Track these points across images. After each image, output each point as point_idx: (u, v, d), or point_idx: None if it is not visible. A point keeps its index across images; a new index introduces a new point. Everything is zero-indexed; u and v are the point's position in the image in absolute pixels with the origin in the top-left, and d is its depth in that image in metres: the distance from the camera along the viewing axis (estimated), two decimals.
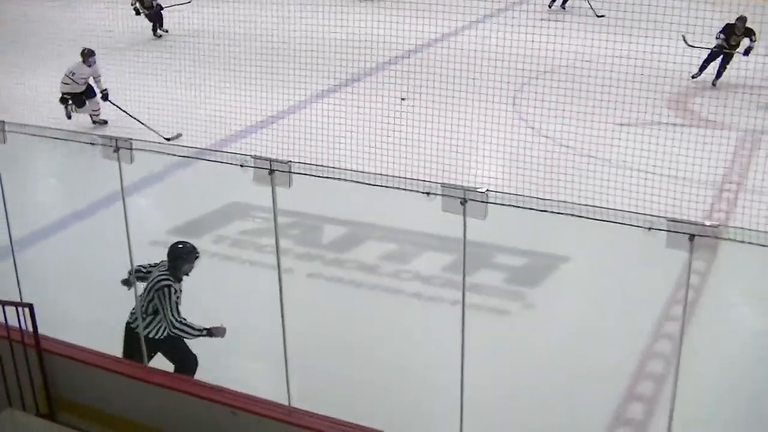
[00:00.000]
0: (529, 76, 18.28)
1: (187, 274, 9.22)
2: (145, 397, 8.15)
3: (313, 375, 9.09)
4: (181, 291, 9.09)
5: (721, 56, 19.69)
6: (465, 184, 6.73)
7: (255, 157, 7.47)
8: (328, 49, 17.55)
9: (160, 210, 14.61)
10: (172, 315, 8.92)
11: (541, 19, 20.06)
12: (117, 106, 17.72)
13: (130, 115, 17.21)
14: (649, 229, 6.12)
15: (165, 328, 8.99)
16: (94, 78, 17.98)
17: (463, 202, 6.49)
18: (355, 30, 18.11)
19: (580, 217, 6.49)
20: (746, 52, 19.16)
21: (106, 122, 18.26)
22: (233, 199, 14.17)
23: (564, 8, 28.06)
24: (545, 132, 16.69)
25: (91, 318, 10.70)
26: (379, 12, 18.81)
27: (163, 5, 25.77)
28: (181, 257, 9.14)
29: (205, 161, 8.52)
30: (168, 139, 15.79)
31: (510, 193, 7.01)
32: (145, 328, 8.98)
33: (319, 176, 8.02)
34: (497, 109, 15.93)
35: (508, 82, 16.65)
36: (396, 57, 20.49)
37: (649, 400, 9.42)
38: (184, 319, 8.93)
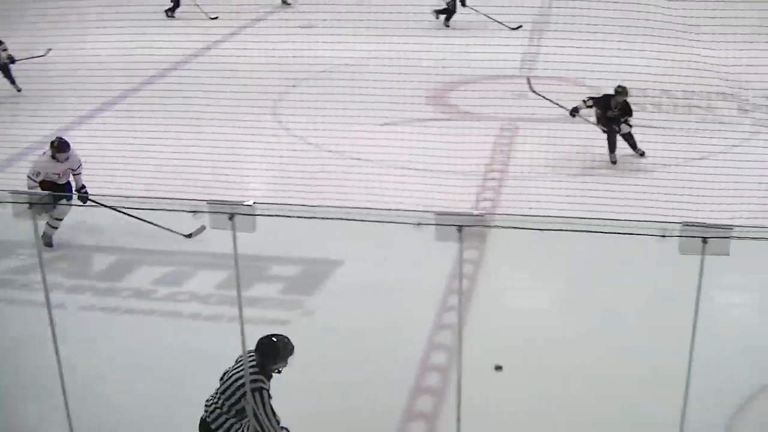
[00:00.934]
0: (287, 84, 18.34)
1: (279, 371, 8.17)
2: None
3: (98, 409, 8.89)
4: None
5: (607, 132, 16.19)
6: (232, 198, 6.64)
7: (12, 192, 7.19)
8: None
9: None
10: (270, 424, 7.89)
11: (298, 26, 20.12)
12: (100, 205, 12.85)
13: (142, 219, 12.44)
14: (418, 224, 6.19)
15: None
16: (72, 173, 13.15)
17: (231, 217, 6.41)
18: (100, 51, 17.77)
19: (348, 220, 6.51)
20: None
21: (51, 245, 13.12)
22: None
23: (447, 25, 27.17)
24: (309, 139, 16.71)
25: None
26: (128, 30, 18.45)
27: (16, 58, 21.19)
28: (276, 352, 8.05)
29: None
30: (189, 236, 13.06)
31: (278, 204, 7.00)
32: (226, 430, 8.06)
33: (78, 205, 7.82)
34: (258, 120, 15.90)
35: (266, 92, 16.66)
36: (153, 76, 20.21)
37: (436, 391, 9.57)
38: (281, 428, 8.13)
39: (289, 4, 28.88)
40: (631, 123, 15.78)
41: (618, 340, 10.34)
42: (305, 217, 6.72)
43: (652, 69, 17.72)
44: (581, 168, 14.73)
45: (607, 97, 15.91)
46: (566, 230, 6.09)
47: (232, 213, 6.43)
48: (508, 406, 9.33)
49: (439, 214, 6.10)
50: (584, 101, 15.96)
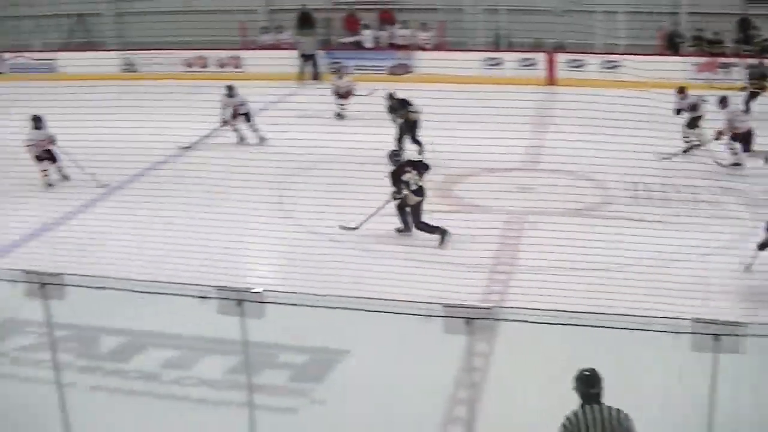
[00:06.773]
0: (290, 172, 18.52)
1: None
2: None
3: None
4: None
5: None
6: (240, 285, 6.68)
7: (25, 271, 7.27)
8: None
9: None
10: None
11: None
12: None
13: None
14: (428, 316, 6.21)
15: None
16: None
17: (239, 303, 6.45)
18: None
19: (356, 309, 6.53)
20: None
21: None
22: (6, 316, 13.59)
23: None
24: (313, 228, 16.74)
25: None
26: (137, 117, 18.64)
27: None
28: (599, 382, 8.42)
29: None
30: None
31: (285, 292, 7.03)
32: None
33: (91, 287, 7.85)
34: (265, 207, 16.01)
35: (272, 180, 16.84)
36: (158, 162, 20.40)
37: None
38: None
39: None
40: None
41: None
42: (311, 306, 6.74)
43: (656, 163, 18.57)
44: (590, 263, 14.71)
45: None
46: (576, 325, 6.11)
47: (239, 300, 6.48)
48: None
49: (446, 306, 6.13)
50: None
